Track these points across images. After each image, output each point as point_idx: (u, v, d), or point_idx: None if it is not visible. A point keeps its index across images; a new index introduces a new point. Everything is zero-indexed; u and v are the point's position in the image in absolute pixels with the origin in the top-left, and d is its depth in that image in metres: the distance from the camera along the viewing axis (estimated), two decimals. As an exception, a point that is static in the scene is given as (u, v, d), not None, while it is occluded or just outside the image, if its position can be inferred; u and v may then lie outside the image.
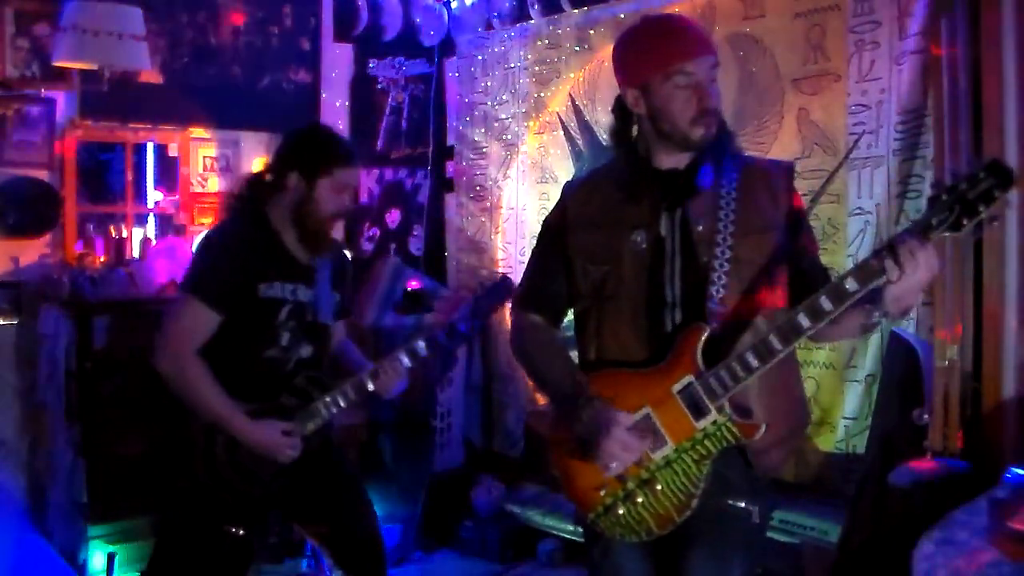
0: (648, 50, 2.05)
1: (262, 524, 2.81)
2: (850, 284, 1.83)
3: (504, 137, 4.68)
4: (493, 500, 4.41)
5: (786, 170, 2.15)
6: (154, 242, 4.28)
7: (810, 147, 3.48)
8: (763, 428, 1.96)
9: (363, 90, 4.99)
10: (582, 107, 4.32)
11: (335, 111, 4.90)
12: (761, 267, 2.02)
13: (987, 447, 2.84)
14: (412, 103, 5.11)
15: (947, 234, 1.76)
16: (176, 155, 4.44)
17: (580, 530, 2.27)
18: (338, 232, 4.83)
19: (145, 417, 2.74)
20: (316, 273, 2.79)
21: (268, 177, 2.77)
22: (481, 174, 4.80)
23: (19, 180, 3.99)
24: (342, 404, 2.73)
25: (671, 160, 2.09)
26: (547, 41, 4.45)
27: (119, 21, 3.76)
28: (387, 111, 5.06)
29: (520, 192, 4.63)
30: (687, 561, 2.03)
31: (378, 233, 5.08)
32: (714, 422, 1.96)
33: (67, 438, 3.74)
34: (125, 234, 4.24)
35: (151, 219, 4.46)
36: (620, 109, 2.13)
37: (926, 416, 2.86)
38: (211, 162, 4.51)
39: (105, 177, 4.49)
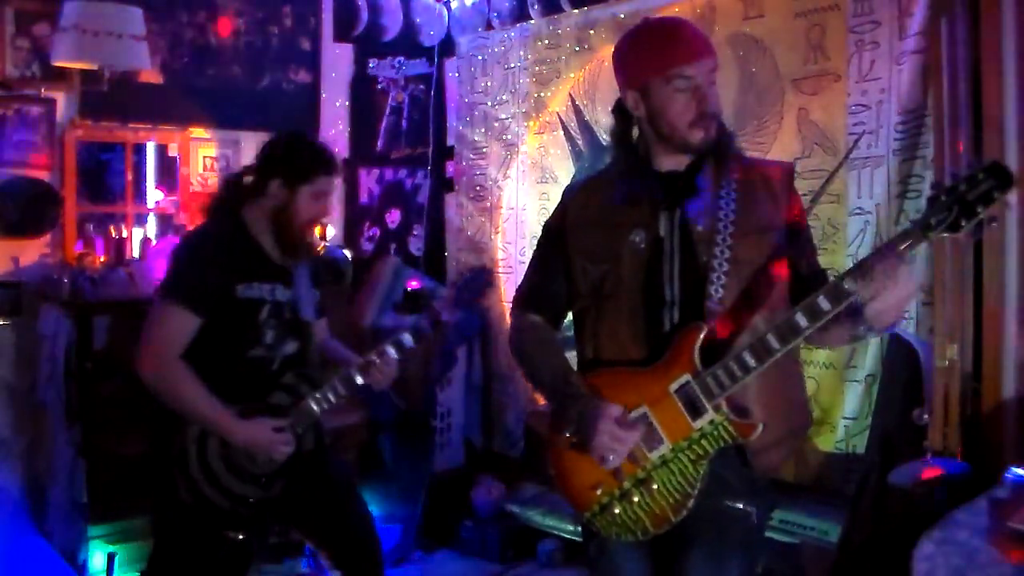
0: (648, 53, 2.06)
1: (261, 527, 2.80)
2: (846, 285, 1.83)
3: (504, 137, 4.68)
4: (493, 500, 4.41)
5: (786, 171, 2.15)
6: (154, 242, 4.28)
7: (810, 147, 3.48)
8: (760, 428, 1.96)
9: (363, 90, 4.99)
10: (582, 107, 4.32)
11: (335, 111, 4.91)
12: (760, 267, 2.02)
13: (987, 447, 2.84)
14: (412, 103, 5.11)
15: (946, 234, 1.77)
16: (176, 155, 4.45)
17: (580, 530, 2.27)
18: (338, 232, 4.87)
19: (145, 417, 2.74)
20: (293, 273, 2.80)
21: (247, 181, 2.78)
22: (481, 174, 4.80)
23: (19, 180, 4.00)
24: (332, 399, 2.73)
25: (671, 162, 2.10)
26: (547, 41, 4.45)
27: (119, 21, 3.77)
28: (387, 111, 5.06)
29: (520, 192, 4.63)
30: (685, 561, 2.03)
31: (378, 233, 5.08)
32: (711, 422, 1.96)
33: (67, 438, 3.74)
34: (125, 234, 4.24)
35: (151, 219, 4.46)
36: (620, 111, 2.14)
37: (926, 416, 2.86)
38: (211, 162, 4.51)
39: (105, 177, 4.48)
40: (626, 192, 2.09)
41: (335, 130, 4.90)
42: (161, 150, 4.47)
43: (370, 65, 4.99)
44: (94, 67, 3.91)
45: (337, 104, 4.92)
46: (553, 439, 2.12)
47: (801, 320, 1.87)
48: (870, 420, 3.28)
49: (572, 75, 4.34)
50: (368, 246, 5.04)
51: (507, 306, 4.58)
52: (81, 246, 4.14)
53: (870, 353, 3.31)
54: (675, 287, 2.04)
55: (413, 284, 4.63)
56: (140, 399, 2.67)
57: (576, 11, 4.34)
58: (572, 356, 2.20)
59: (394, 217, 5.13)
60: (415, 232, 5.17)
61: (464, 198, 4.91)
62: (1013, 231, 2.84)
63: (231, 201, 2.78)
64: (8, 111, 3.97)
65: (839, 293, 1.84)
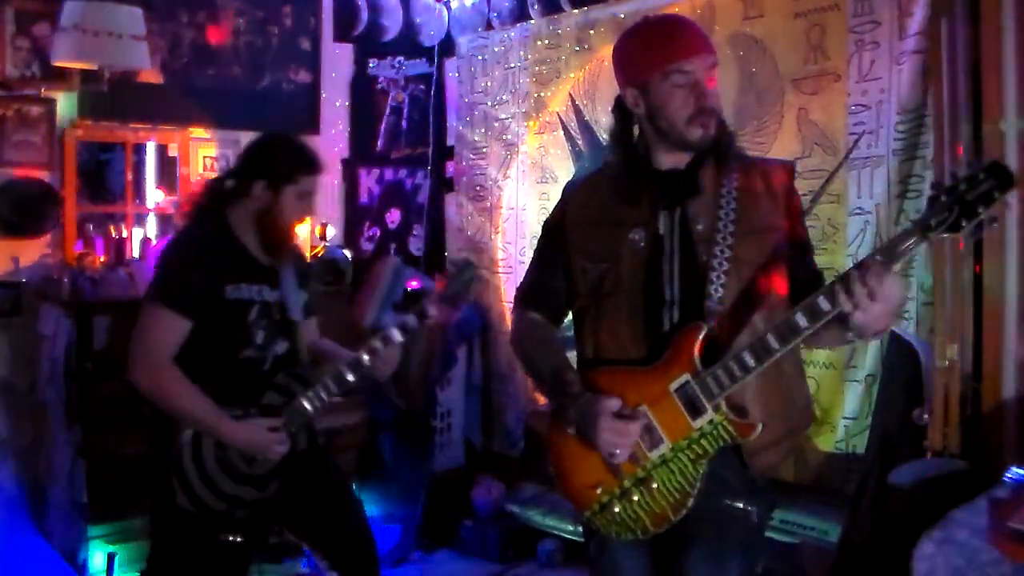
0: (647, 49, 2.06)
1: (259, 528, 2.80)
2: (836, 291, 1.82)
3: (504, 137, 4.68)
4: (493, 500, 4.41)
5: (787, 170, 2.15)
6: (154, 242, 4.28)
7: (810, 147, 3.48)
8: (759, 428, 1.96)
9: (363, 90, 4.99)
10: (582, 107, 4.32)
11: (335, 111, 4.91)
12: (760, 267, 2.02)
13: (987, 447, 2.84)
14: (412, 103, 5.11)
15: (946, 235, 1.76)
16: (176, 155, 4.45)
17: (580, 529, 2.28)
18: (338, 232, 4.87)
19: (145, 418, 2.74)
20: (279, 274, 2.80)
21: (230, 183, 2.78)
22: (481, 174, 4.80)
23: (19, 180, 4.00)
24: (324, 397, 2.73)
25: (671, 160, 2.09)
26: (547, 41, 4.45)
27: (119, 21, 3.77)
28: (387, 111, 5.06)
29: (520, 192, 4.62)
30: (685, 561, 2.03)
31: (378, 233, 5.09)
32: (710, 421, 1.96)
33: (67, 438, 3.75)
34: (125, 234, 4.24)
35: (151, 219, 4.46)
36: (620, 109, 2.14)
37: (926, 416, 2.86)
38: (211, 162, 4.51)
39: (105, 177, 4.49)
40: (626, 191, 2.09)
41: (335, 130, 4.91)
42: (161, 150, 4.47)
43: (370, 65, 4.99)
44: (94, 67, 3.92)
45: (337, 104, 4.92)
46: (553, 438, 2.12)
47: (801, 320, 1.86)
48: (870, 420, 3.28)
49: (572, 75, 4.34)
50: (368, 246, 5.04)
51: (507, 306, 4.59)
52: (81, 246, 4.14)
53: (870, 353, 3.31)
54: (675, 286, 2.04)
55: (413, 284, 4.63)
56: (140, 399, 2.66)
57: (576, 11, 4.34)
58: (572, 355, 2.20)
59: (394, 217, 5.14)
60: (415, 232, 5.18)
61: (464, 198, 4.91)
62: (1013, 231, 2.83)
63: (215, 204, 2.78)
64: (8, 111, 3.97)
65: (837, 298, 1.83)
